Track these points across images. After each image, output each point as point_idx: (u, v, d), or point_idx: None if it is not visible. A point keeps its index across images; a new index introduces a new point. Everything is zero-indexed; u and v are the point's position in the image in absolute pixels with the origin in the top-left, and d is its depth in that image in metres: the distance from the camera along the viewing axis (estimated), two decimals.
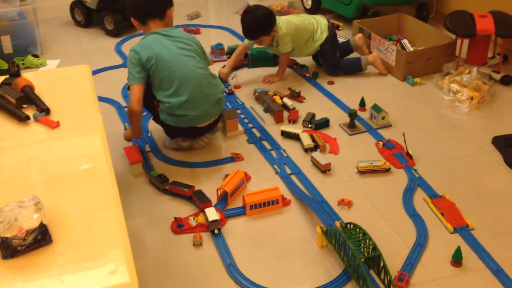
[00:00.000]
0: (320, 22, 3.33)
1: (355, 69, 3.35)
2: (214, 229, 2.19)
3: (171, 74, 2.50)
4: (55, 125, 1.89)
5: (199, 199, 2.32)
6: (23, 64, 3.56)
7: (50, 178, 1.65)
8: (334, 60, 3.35)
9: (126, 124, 2.93)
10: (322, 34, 3.30)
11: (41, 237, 1.37)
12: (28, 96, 2.02)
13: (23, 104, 1.99)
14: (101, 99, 3.19)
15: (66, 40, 4.08)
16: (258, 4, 3.38)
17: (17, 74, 2.17)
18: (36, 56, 3.67)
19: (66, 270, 1.33)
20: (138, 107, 2.51)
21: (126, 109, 2.65)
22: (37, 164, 1.71)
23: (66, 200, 1.55)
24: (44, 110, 1.96)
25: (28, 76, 2.20)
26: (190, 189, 2.37)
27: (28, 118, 1.92)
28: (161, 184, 2.43)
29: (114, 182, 1.63)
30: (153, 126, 2.87)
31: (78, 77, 2.26)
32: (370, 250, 1.90)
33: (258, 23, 3.14)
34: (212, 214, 2.21)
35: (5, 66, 3.47)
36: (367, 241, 1.92)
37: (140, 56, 2.48)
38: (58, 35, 4.15)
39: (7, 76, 2.16)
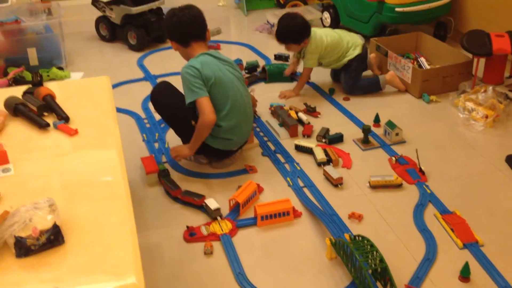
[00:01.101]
0: (355, 41, 3.38)
1: (373, 88, 3.38)
2: (217, 217, 2.32)
3: (226, 97, 2.55)
4: (74, 132, 1.96)
5: (192, 197, 2.43)
6: (48, 76, 3.66)
7: (66, 182, 1.71)
8: (356, 79, 3.38)
9: (145, 135, 3.01)
10: (354, 51, 3.34)
11: (54, 238, 1.43)
12: (49, 105, 2.10)
13: (44, 112, 2.08)
14: (121, 110, 3.29)
15: (91, 54, 4.20)
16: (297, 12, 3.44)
17: (40, 84, 2.27)
18: (61, 68, 3.78)
19: (76, 270, 1.39)
20: (215, 117, 2.50)
21: (196, 123, 2.55)
22: (55, 169, 1.78)
23: (80, 203, 1.61)
24: (63, 118, 2.03)
25: (50, 86, 2.29)
26: (201, 199, 2.42)
27: (48, 125, 2.00)
28: (162, 177, 2.56)
29: (127, 188, 1.68)
30: (170, 138, 2.94)
31: (98, 88, 2.34)
32: (377, 262, 1.93)
33: (292, 30, 3.23)
34: (212, 203, 2.34)
35: (30, 77, 3.58)
36: (374, 253, 1.94)
37: (201, 72, 2.49)
38: (83, 49, 4.27)
39: (30, 85, 2.25)
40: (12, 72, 3.48)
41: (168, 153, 2.82)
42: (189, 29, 2.60)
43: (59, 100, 2.18)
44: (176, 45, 2.65)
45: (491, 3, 3.68)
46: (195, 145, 2.60)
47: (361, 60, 3.38)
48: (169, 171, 2.66)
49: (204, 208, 2.41)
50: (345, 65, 3.36)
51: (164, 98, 2.69)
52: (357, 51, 3.34)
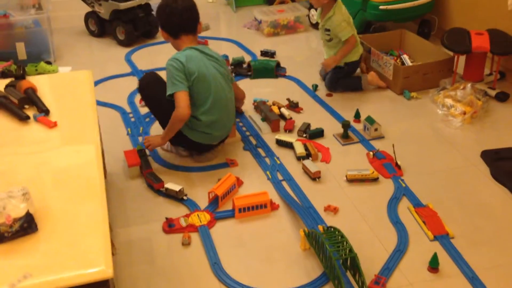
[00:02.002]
0: (359, 47, 3.42)
1: (354, 87, 3.43)
2: (183, 197, 2.46)
3: (208, 93, 2.60)
4: (53, 125, 2.02)
5: (153, 180, 2.54)
6: (36, 70, 3.69)
7: (42, 173, 1.77)
8: (341, 78, 3.42)
9: (129, 129, 3.05)
10: (353, 56, 3.39)
11: (27, 225, 1.48)
12: (30, 98, 2.15)
13: (25, 105, 2.13)
14: (107, 104, 3.34)
15: (79, 49, 4.24)
16: None
17: (22, 77, 2.31)
18: (49, 62, 3.82)
19: (48, 257, 1.45)
20: (189, 112, 2.54)
21: (173, 116, 2.58)
22: (32, 160, 1.83)
23: (55, 193, 1.67)
24: (43, 111, 2.09)
25: (33, 79, 2.34)
26: (160, 183, 2.53)
27: (28, 117, 2.05)
28: (139, 153, 2.69)
29: (101, 178, 1.74)
30: (154, 131, 2.99)
31: (80, 82, 2.39)
32: (347, 252, 1.98)
33: None
34: (174, 186, 2.48)
35: None
36: (345, 243, 2.00)
37: (185, 66, 2.54)
38: (72, 44, 4.30)
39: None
40: (0, 66, 3.52)
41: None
42: (180, 22, 2.64)
43: (42, 93, 2.24)
44: (167, 36, 2.71)
45: (474, 2, 3.73)
46: (167, 136, 2.67)
47: (354, 66, 3.43)
48: (151, 164, 2.72)
49: (182, 200, 2.48)
50: (339, 65, 3.39)
51: (151, 87, 2.74)
52: (355, 57, 3.39)
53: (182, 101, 2.53)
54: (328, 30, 3.34)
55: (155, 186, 2.54)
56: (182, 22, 2.64)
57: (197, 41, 2.73)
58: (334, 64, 3.36)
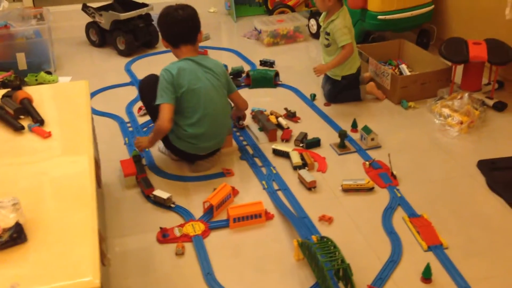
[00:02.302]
0: (357, 59, 3.39)
1: (353, 98, 3.42)
2: (171, 204, 2.50)
3: (197, 106, 2.62)
4: (47, 135, 2.03)
5: (144, 185, 2.60)
6: (36, 80, 3.73)
7: (34, 183, 1.77)
8: (340, 93, 3.40)
9: (126, 139, 3.07)
10: (349, 69, 3.36)
11: (17, 236, 1.49)
12: (26, 108, 2.17)
13: (21, 115, 2.14)
14: (106, 114, 3.36)
15: (80, 59, 4.27)
16: None
17: (19, 87, 2.33)
18: (49, 73, 3.85)
19: (37, 267, 1.45)
20: (169, 126, 2.58)
21: (154, 125, 2.70)
22: (24, 169, 1.85)
23: (47, 203, 1.68)
24: (38, 121, 2.10)
25: (30, 90, 2.36)
26: (149, 189, 2.58)
27: (23, 128, 2.07)
28: (135, 158, 2.74)
29: (93, 188, 1.75)
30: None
31: (76, 92, 2.40)
32: (339, 262, 1.98)
33: None
34: (162, 193, 2.52)
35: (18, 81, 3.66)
36: (337, 253, 2.00)
37: (174, 79, 2.56)
38: (73, 54, 4.34)
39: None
40: (0, 76, 3.55)
41: (148, 156, 2.89)
42: (180, 31, 2.65)
43: (38, 103, 2.25)
44: (166, 44, 2.73)
45: (472, 11, 3.74)
46: (153, 141, 2.76)
47: (351, 80, 3.38)
48: (148, 174, 2.73)
49: (170, 208, 2.51)
50: (335, 79, 3.38)
51: (151, 88, 2.71)
52: (351, 70, 3.37)
53: (165, 114, 2.57)
54: (328, 34, 3.28)
55: (145, 192, 2.57)
56: (182, 32, 2.66)
57: (197, 51, 2.73)
58: (325, 70, 3.34)
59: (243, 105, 2.97)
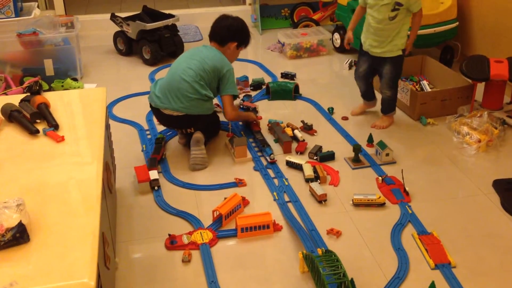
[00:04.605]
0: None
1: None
2: (155, 186, 2.72)
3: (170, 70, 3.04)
4: (60, 139, 2.09)
5: (148, 165, 2.87)
6: (62, 86, 3.83)
7: (43, 185, 1.83)
8: (399, 75, 3.19)
9: (144, 146, 3.12)
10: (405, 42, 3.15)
11: (19, 235, 1.54)
12: (42, 112, 2.23)
13: (37, 119, 2.21)
14: (126, 121, 3.43)
15: (106, 66, 4.37)
16: None
17: (38, 93, 2.40)
18: (75, 79, 3.95)
19: (36, 267, 1.49)
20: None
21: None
22: (35, 172, 1.90)
23: (52, 205, 1.72)
24: (53, 125, 2.16)
25: (48, 95, 2.44)
26: (151, 168, 2.82)
27: (38, 131, 2.13)
28: (157, 140, 3.07)
29: (98, 193, 1.79)
30: (169, 152, 3.06)
31: (93, 98, 2.46)
32: (341, 276, 1.98)
33: None
34: (154, 174, 2.75)
35: (45, 86, 3.76)
36: (339, 267, 2.00)
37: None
38: (100, 61, 4.44)
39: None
40: (28, 81, 3.65)
41: (163, 165, 2.94)
42: (213, 29, 3.11)
43: (55, 108, 2.32)
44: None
45: (497, 29, 3.69)
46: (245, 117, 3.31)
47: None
48: (161, 181, 2.78)
49: (187, 216, 2.52)
50: (395, 57, 3.13)
51: None
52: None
53: None
54: (400, 4, 2.98)
55: (148, 169, 2.80)
56: (213, 30, 3.10)
57: (223, 52, 3.06)
58: (412, 42, 3.17)
59: (226, 113, 3.07)
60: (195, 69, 2.93)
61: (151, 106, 3.06)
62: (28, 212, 1.60)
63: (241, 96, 3.68)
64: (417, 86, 3.64)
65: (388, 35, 3.08)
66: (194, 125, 2.98)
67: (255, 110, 3.45)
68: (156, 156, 2.92)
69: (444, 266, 2.20)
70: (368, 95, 3.41)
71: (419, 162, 2.95)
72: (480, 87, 3.36)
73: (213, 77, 2.96)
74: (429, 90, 3.58)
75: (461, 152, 3.01)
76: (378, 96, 3.40)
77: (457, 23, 3.93)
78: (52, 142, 2.09)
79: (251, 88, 3.82)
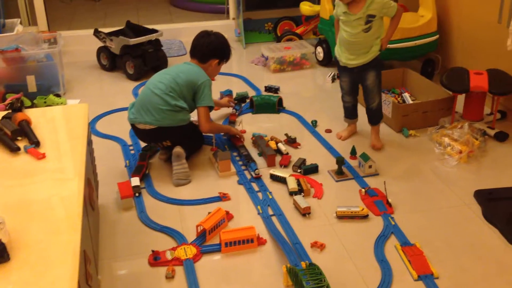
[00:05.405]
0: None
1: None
2: (136, 193, 2.78)
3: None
4: (41, 156, 2.08)
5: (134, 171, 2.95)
6: (45, 102, 3.82)
7: (23, 202, 1.81)
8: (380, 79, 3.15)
9: (127, 162, 3.11)
10: (377, 45, 3.08)
11: None
12: (23, 130, 2.22)
13: (18, 137, 2.20)
14: (109, 137, 3.42)
15: (90, 82, 4.36)
16: None
17: (19, 109, 2.40)
18: (58, 95, 3.94)
19: (17, 285, 1.48)
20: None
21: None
22: (16, 190, 1.89)
23: (33, 224, 1.71)
24: (34, 142, 2.15)
25: (31, 112, 2.43)
26: (134, 175, 2.91)
27: (19, 149, 2.12)
28: (141, 157, 3.10)
29: (80, 211, 1.78)
30: (152, 167, 3.05)
31: (75, 115, 2.45)
32: None
33: None
34: (135, 181, 2.82)
35: (28, 103, 3.74)
36: (323, 280, 2.00)
37: None
38: (83, 77, 4.43)
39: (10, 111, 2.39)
40: (10, 98, 3.64)
41: (146, 179, 2.93)
42: (194, 46, 3.17)
43: (37, 125, 2.31)
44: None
45: (476, 42, 3.75)
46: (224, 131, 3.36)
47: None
48: (144, 197, 2.77)
49: (170, 232, 2.51)
50: (372, 61, 3.08)
51: None
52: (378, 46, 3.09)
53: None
54: (372, 16, 2.96)
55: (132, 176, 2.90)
56: (194, 46, 3.14)
57: (204, 69, 3.10)
58: (388, 41, 3.10)
59: (200, 125, 3.10)
60: (166, 82, 2.98)
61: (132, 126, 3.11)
62: (8, 231, 1.58)
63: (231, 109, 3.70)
64: (399, 99, 3.68)
65: (365, 46, 3.05)
66: (169, 137, 2.99)
67: (233, 123, 3.47)
68: (143, 163, 2.99)
69: (427, 277, 2.22)
70: (353, 113, 3.36)
71: (402, 174, 2.98)
72: (461, 99, 3.40)
73: (187, 90, 2.99)
74: (411, 102, 3.62)
75: (442, 163, 3.04)
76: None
77: (438, 36, 3.99)
78: (32, 160, 2.08)
79: (236, 102, 3.83)
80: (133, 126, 3.08)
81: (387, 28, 3.09)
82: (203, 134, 3.20)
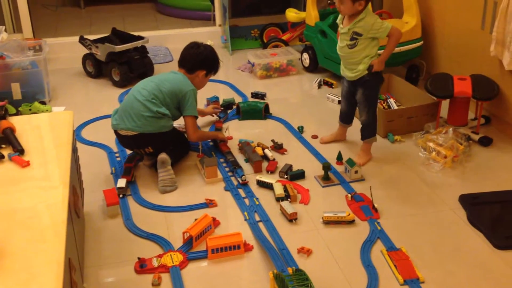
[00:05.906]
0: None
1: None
2: (120, 194, 2.79)
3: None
4: (26, 164, 2.07)
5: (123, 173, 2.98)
6: (30, 110, 3.79)
7: (6, 211, 1.80)
8: (376, 96, 3.14)
9: (113, 169, 3.10)
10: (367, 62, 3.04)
11: None
12: (7, 137, 2.21)
13: (2, 144, 2.19)
14: (95, 144, 3.41)
15: (75, 89, 4.34)
16: None
17: (3, 117, 2.38)
18: (43, 103, 3.91)
19: None
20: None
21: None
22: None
23: (17, 232, 1.70)
24: (18, 150, 2.14)
25: (15, 119, 2.41)
26: (123, 176, 2.95)
27: (2, 157, 2.11)
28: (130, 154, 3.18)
29: (64, 219, 1.77)
30: (138, 174, 3.04)
31: (60, 122, 2.45)
32: None
33: None
34: (121, 182, 2.85)
35: (13, 110, 3.71)
36: (309, 286, 2.00)
37: None
38: (69, 84, 4.41)
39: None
40: None
41: (132, 186, 2.92)
42: (183, 56, 3.20)
43: (22, 133, 2.29)
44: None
45: (460, 48, 3.79)
46: (210, 137, 3.39)
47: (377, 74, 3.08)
48: (130, 204, 2.76)
49: (157, 239, 2.50)
50: (360, 79, 3.06)
51: None
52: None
53: None
54: (358, 33, 2.95)
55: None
56: (183, 57, 3.17)
57: (191, 79, 3.12)
58: (384, 60, 3.04)
59: (188, 135, 3.14)
60: (150, 89, 3.00)
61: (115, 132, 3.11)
62: None
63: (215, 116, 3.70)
64: (384, 104, 3.71)
65: (351, 62, 3.05)
66: (151, 144, 2.99)
67: (219, 130, 3.47)
68: (130, 165, 3.01)
69: (413, 282, 2.23)
70: (345, 118, 3.33)
71: (387, 179, 2.99)
72: (445, 104, 3.43)
73: (171, 99, 3.01)
74: (396, 107, 3.65)
75: (427, 168, 3.07)
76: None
77: (422, 42, 4.02)
78: (17, 167, 2.07)
79: (222, 108, 3.83)
80: (116, 132, 3.07)
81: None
82: (192, 143, 3.20)
